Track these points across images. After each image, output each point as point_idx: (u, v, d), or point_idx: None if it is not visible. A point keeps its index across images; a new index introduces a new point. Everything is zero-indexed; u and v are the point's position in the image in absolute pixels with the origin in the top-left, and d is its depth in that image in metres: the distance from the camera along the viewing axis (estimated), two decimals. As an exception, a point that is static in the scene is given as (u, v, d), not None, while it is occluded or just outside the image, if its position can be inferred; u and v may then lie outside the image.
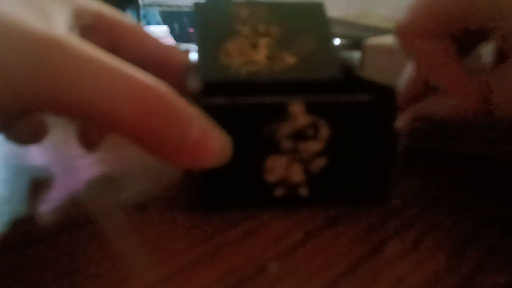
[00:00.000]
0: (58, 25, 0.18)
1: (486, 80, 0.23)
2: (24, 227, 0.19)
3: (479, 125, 0.25)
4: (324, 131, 0.20)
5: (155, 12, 1.86)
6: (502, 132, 0.27)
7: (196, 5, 0.25)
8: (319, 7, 0.26)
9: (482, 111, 0.23)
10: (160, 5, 1.85)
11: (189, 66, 0.25)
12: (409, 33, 0.24)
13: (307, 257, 0.17)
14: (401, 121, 0.26)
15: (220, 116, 0.17)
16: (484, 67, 0.25)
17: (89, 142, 0.25)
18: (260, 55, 0.24)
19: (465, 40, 0.24)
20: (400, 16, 0.24)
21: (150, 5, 1.80)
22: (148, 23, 1.76)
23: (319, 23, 0.25)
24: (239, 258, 0.17)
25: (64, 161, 0.28)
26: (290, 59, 0.24)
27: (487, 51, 0.25)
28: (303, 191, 0.21)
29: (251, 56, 0.24)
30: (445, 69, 0.23)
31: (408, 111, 0.26)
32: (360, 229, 0.19)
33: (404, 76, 0.27)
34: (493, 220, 0.20)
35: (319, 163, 0.20)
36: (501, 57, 0.23)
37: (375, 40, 0.32)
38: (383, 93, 0.20)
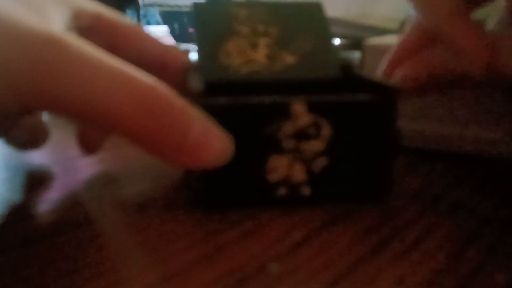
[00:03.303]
0: (57, 25, 0.18)
1: (493, 40, 0.22)
2: (24, 227, 0.19)
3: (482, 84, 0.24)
4: (326, 131, 0.20)
5: (155, 12, 1.86)
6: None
7: (195, 5, 0.25)
8: (318, 7, 0.26)
9: (488, 70, 0.22)
10: (160, 5, 1.85)
11: (189, 66, 0.25)
12: None
13: (307, 257, 0.17)
14: (402, 73, 0.25)
15: (222, 116, 0.17)
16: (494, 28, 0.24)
17: (88, 145, 0.25)
18: (260, 55, 0.24)
19: None
20: None
21: (150, 5, 1.80)
22: (148, 23, 1.76)
23: (317, 23, 0.25)
24: (239, 258, 0.17)
25: (64, 161, 0.28)
26: (289, 59, 0.24)
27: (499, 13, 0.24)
28: (305, 191, 0.21)
29: (251, 56, 0.24)
30: (454, 23, 0.22)
31: (408, 64, 0.25)
32: (360, 229, 0.19)
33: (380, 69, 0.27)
34: (493, 220, 0.20)
35: (321, 163, 0.20)
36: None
37: (375, 40, 0.32)
38: (384, 93, 0.20)
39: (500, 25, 0.24)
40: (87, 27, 0.22)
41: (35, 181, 0.25)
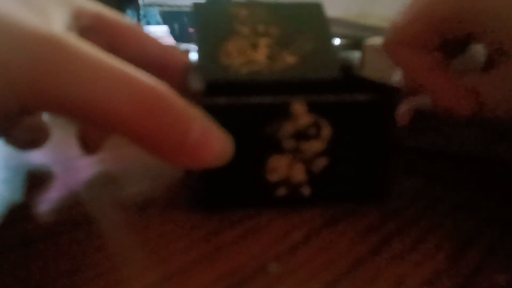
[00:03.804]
0: (57, 25, 0.18)
1: (475, 86, 0.23)
2: (24, 227, 0.19)
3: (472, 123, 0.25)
4: (326, 131, 0.20)
5: (155, 12, 1.86)
6: (497, 129, 0.27)
7: (196, 5, 0.25)
8: (318, 7, 0.26)
9: (472, 115, 0.23)
10: (160, 5, 1.85)
11: (189, 66, 0.25)
12: (395, 44, 0.24)
13: (307, 257, 0.17)
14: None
15: (222, 116, 0.17)
16: (476, 67, 0.25)
17: (89, 145, 0.25)
18: (260, 55, 0.24)
19: (452, 45, 0.24)
20: (387, 29, 0.25)
21: (150, 5, 1.80)
22: (148, 23, 1.76)
23: (318, 23, 0.25)
24: (239, 258, 0.17)
25: (64, 161, 0.28)
26: (290, 59, 0.24)
27: (479, 50, 0.25)
28: (305, 191, 0.21)
29: (251, 56, 0.24)
30: (432, 80, 0.24)
31: (403, 104, 0.27)
32: (360, 229, 0.19)
33: (397, 74, 0.28)
34: (493, 220, 0.20)
35: (321, 163, 0.20)
36: (490, 61, 0.23)
37: (375, 40, 0.32)
38: (384, 93, 0.20)
39: (482, 65, 0.24)
40: (87, 27, 0.22)
41: (35, 181, 0.25)
